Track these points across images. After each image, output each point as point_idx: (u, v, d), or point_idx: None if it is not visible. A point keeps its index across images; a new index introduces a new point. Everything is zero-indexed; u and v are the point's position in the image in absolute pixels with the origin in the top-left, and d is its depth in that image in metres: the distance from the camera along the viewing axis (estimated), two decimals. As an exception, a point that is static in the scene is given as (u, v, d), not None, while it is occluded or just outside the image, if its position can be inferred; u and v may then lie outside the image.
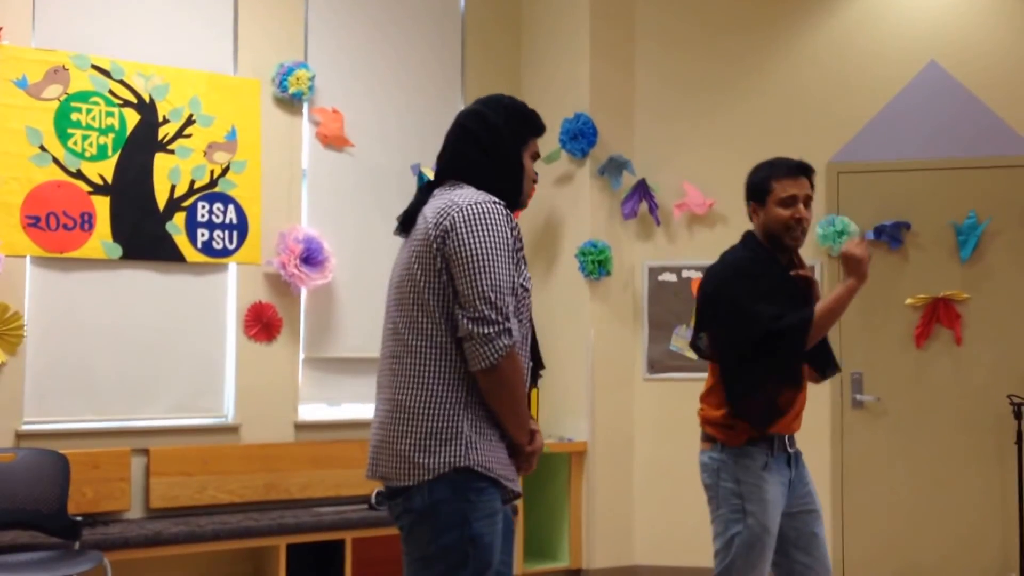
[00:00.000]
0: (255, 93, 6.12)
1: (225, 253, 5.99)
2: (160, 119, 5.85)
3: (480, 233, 2.61)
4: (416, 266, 2.67)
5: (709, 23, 6.72)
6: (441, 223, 2.63)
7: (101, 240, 5.66)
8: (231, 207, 6.01)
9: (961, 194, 6.27)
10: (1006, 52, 6.32)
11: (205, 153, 5.96)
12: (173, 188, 5.87)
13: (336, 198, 6.38)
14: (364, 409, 6.38)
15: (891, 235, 6.29)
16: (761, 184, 3.71)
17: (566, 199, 6.74)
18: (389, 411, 2.69)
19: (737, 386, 3.58)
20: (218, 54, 6.08)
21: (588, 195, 6.62)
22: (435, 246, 2.63)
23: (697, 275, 6.46)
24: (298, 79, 6.13)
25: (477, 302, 2.58)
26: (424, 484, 2.60)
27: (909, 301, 6.28)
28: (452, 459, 2.59)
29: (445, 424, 2.61)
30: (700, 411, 3.76)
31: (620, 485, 6.53)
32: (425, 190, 2.82)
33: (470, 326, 2.59)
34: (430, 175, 6.38)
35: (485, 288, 2.58)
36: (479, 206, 2.64)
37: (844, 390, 6.29)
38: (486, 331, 2.57)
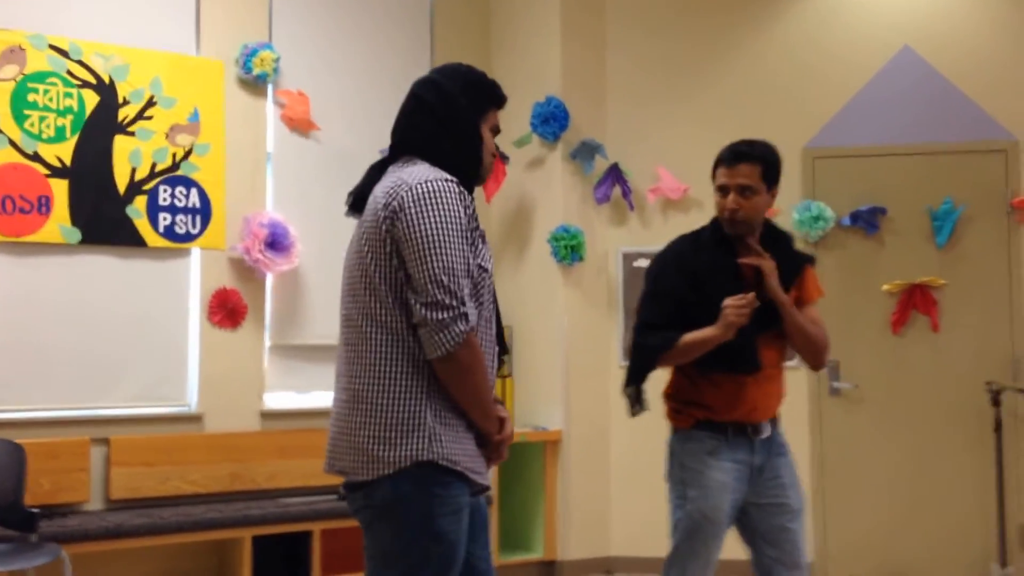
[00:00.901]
0: (218, 74, 5.99)
1: (188, 238, 5.86)
2: (120, 100, 5.71)
3: (431, 213, 2.47)
4: (367, 249, 2.54)
5: (683, 6, 6.64)
6: (390, 203, 2.50)
7: (59, 224, 5.52)
8: (194, 191, 5.88)
9: (937, 179, 6.23)
10: (980, 38, 6.28)
11: (167, 135, 5.83)
12: (134, 171, 5.73)
13: (302, 182, 6.26)
14: (332, 397, 6.24)
15: (867, 221, 6.25)
16: (712, 170, 3.69)
17: (537, 183, 6.64)
18: (346, 402, 2.57)
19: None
20: (180, 34, 5.95)
21: (560, 179, 6.53)
22: (384, 228, 2.50)
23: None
24: (262, 60, 6.00)
25: (430, 286, 2.45)
26: (385, 478, 2.48)
27: (885, 287, 6.23)
28: (414, 452, 2.47)
29: (406, 415, 2.49)
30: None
31: (596, 474, 6.44)
32: (377, 168, 2.70)
33: (424, 312, 2.46)
34: (400, 159, 6.32)
35: (438, 271, 2.45)
36: (429, 184, 2.50)
37: (821, 377, 6.23)
38: (440, 316, 2.45)
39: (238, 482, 5.84)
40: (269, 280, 6.08)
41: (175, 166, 5.84)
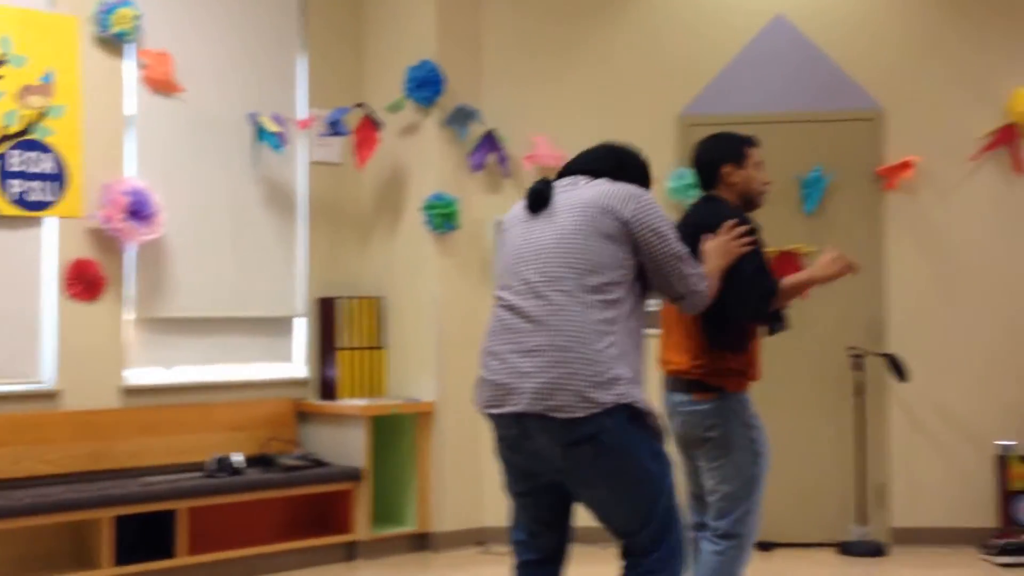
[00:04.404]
0: (73, 32, 5.67)
1: (42, 206, 5.55)
2: (-34, 60, 5.39)
3: (663, 215, 3.26)
4: (600, 233, 3.15)
5: (559, -29, 6.57)
6: (628, 204, 3.19)
7: (-100, 191, 5.19)
8: (49, 156, 5.57)
9: (806, 147, 6.33)
10: (851, 8, 6.40)
11: (18, 97, 5.49)
12: (-18, 135, 5.41)
13: (167, 147, 6.00)
14: (201, 372, 6.11)
15: (739, 189, 6.28)
16: (738, 148, 3.91)
17: (411, 150, 6.51)
18: (549, 351, 3.07)
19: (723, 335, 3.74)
20: (31, -11, 5.62)
21: (435, 146, 6.41)
22: (624, 217, 3.16)
23: (546, 230, 6.34)
24: (121, 17, 5.71)
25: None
26: (598, 415, 3.01)
27: (755, 255, 6.29)
28: (618, 396, 3.04)
29: (612, 366, 3.06)
30: (696, 363, 3.77)
31: (469, 446, 6.37)
32: (548, 181, 3.43)
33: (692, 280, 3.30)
34: (268, 124, 6.13)
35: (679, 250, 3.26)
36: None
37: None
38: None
39: (98, 461, 5.61)
40: (132, 251, 5.82)
41: (27, 130, 5.52)
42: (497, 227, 6.49)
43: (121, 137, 5.85)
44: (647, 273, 3.24)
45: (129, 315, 5.84)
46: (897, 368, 5.96)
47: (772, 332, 3.89)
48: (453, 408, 6.33)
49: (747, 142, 3.94)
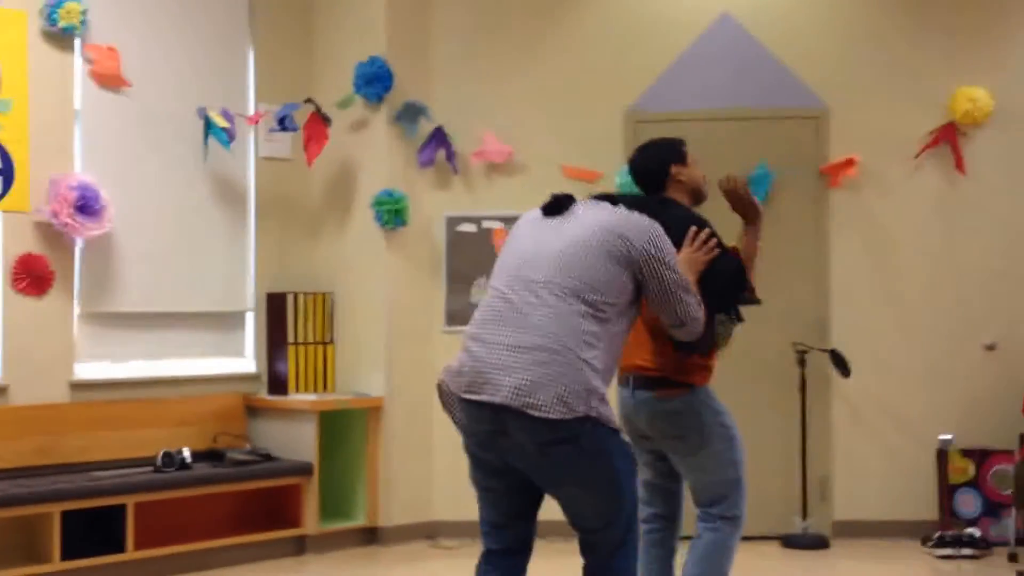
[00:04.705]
0: (20, 26, 5.65)
1: (-12, 200, 5.55)
2: (-89, 53, 5.35)
3: (672, 246, 3.37)
4: (609, 255, 3.21)
5: (509, -32, 6.62)
6: (642, 234, 3.27)
7: None
8: (-5, 150, 5.57)
9: (752, 145, 6.41)
10: (796, 7, 6.50)
11: (-36, 91, 5.49)
12: (-73, 129, 5.38)
13: (114, 142, 6.00)
14: (150, 366, 6.12)
15: (686, 186, 6.36)
16: (678, 148, 4.04)
17: (361, 146, 6.53)
18: (538, 351, 3.13)
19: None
20: (-23, -18, 5.59)
21: (384, 142, 6.45)
22: (636, 245, 3.24)
23: (498, 225, 6.42)
24: (69, 12, 5.70)
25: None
26: (572, 420, 3.09)
27: (702, 251, 6.37)
28: (590, 409, 3.12)
29: (591, 378, 3.14)
30: (661, 361, 3.85)
31: (419, 440, 6.43)
32: (568, 197, 3.43)
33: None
34: (218, 120, 6.14)
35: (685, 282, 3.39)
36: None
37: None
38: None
39: (47, 456, 5.60)
40: (79, 245, 5.82)
41: (-28, 124, 5.51)
42: (447, 223, 6.56)
43: (69, 132, 5.84)
44: (650, 300, 3.32)
45: (77, 310, 5.85)
46: (840, 363, 6.07)
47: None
48: (402, 403, 6.38)
49: (682, 143, 4.08)
